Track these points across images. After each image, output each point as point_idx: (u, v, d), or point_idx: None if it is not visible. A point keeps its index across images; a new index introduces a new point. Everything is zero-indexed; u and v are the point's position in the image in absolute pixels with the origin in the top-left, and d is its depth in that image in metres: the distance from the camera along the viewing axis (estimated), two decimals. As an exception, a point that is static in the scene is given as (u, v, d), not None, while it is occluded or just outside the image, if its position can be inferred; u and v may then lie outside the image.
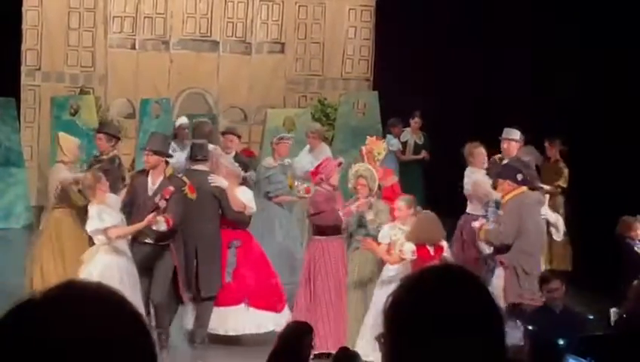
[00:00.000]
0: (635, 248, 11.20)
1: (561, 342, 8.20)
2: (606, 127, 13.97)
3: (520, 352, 8.77)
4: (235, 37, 18.97)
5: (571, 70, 14.97)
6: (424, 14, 17.23)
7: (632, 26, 13.95)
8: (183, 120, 14.46)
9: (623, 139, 13.76)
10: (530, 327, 9.05)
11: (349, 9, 19.34)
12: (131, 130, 17.78)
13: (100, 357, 1.68)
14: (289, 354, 7.30)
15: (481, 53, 16.26)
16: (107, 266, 9.93)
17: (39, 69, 18.14)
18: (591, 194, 13.40)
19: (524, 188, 10.43)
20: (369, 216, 10.72)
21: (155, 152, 10.23)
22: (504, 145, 12.16)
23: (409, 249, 10.16)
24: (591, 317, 10.44)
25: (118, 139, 12.22)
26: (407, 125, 17.07)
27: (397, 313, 2.06)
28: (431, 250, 10.12)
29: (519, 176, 10.38)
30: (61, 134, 11.99)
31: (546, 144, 13.94)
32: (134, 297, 9.70)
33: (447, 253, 10.24)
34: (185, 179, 10.21)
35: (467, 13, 16.63)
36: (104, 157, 11.71)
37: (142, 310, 9.60)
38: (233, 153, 12.73)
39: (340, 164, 11.26)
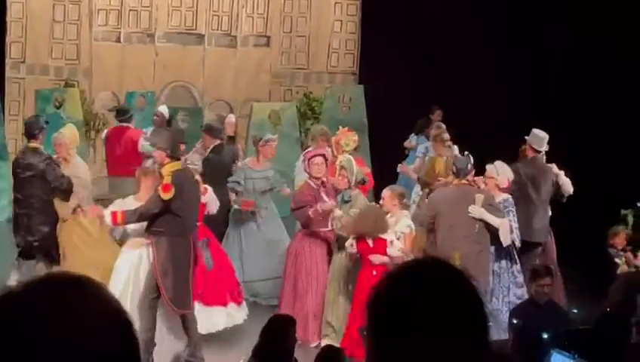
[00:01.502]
0: (615, 259, 11.31)
1: (545, 335, 8.21)
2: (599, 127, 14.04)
3: (504, 346, 8.79)
4: (221, 30, 18.94)
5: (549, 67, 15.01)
6: (410, 8, 17.22)
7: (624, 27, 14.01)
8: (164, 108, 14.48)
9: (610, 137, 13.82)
10: (514, 321, 9.07)
11: (335, 2, 19.32)
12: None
13: (80, 351, 1.67)
14: (274, 347, 7.30)
15: (468, 47, 16.26)
16: (120, 260, 10.02)
17: (24, 62, 18.08)
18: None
19: (456, 180, 10.66)
20: (336, 213, 10.76)
21: (159, 148, 9.93)
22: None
23: (348, 243, 10.24)
24: (575, 311, 10.48)
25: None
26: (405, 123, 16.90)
27: (380, 307, 2.06)
28: (370, 242, 10.19)
29: (454, 168, 10.75)
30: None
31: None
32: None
33: (393, 248, 10.12)
34: (168, 177, 9.58)
35: (454, 7, 16.62)
36: None
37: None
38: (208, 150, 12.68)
39: (323, 156, 11.19)
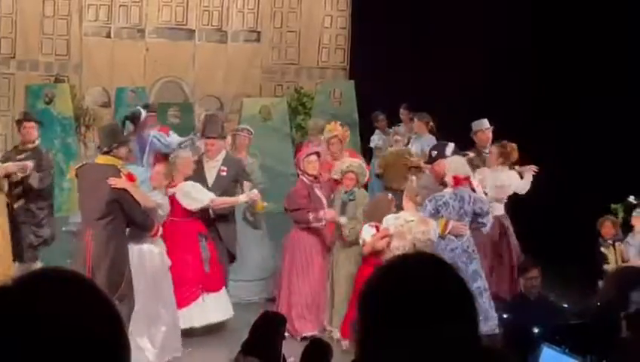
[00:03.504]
0: (601, 247, 11.34)
1: (536, 330, 8.23)
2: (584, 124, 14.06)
3: (495, 340, 8.81)
4: (211, 25, 18.92)
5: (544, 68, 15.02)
6: (400, 3, 17.22)
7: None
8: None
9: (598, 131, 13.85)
10: (505, 315, 9.09)
11: (325, -2, 19.37)
12: (106, 118, 17.71)
13: (72, 343, 1.67)
14: (264, 343, 7.31)
15: (459, 42, 16.25)
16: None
17: (14, 57, 18.04)
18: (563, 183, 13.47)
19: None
20: (342, 220, 10.76)
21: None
22: (482, 137, 12.37)
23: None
24: (566, 305, 10.50)
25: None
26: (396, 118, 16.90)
27: (371, 300, 2.06)
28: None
29: None
30: None
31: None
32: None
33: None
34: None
35: (446, 2, 16.61)
36: (29, 145, 11.63)
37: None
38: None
39: (317, 154, 11.17)
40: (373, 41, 17.61)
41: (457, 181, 10.34)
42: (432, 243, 9.90)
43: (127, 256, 9.55)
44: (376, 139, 16.38)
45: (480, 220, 10.37)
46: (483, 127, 12.48)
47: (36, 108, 16.22)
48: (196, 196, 10.66)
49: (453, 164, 10.68)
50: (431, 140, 13.45)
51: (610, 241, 11.31)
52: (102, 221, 9.40)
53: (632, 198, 11.90)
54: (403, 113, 16.39)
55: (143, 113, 13.80)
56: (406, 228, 10.06)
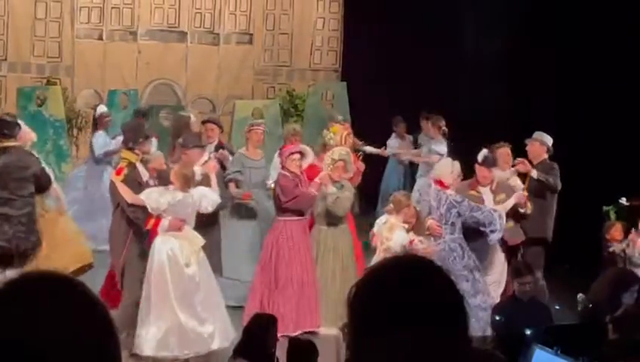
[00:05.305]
0: (610, 249, 11.25)
1: (528, 331, 8.23)
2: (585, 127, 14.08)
3: (486, 342, 8.81)
4: (203, 27, 18.92)
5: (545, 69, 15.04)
6: (392, 5, 17.22)
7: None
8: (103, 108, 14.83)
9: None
10: (497, 317, 9.09)
11: (317, 0, 19.34)
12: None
13: (59, 346, 1.67)
14: (255, 345, 7.31)
15: (452, 44, 16.26)
16: None
17: (5, 60, 18.01)
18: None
19: None
20: (330, 190, 10.89)
21: None
22: (529, 148, 11.72)
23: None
24: (558, 307, 10.52)
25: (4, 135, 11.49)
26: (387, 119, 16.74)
27: (360, 303, 2.06)
28: None
29: None
30: None
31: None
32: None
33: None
34: None
35: (438, 4, 16.62)
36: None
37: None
38: (215, 142, 12.47)
39: (300, 153, 11.10)
40: (365, 43, 17.62)
41: (435, 181, 10.69)
42: (399, 250, 10.02)
43: (137, 247, 9.96)
44: (392, 144, 16.16)
45: (482, 229, 10.47)
46: (532, 139, 11.76)
47: (28, 111, 16.20)
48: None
49: (438, 164, 11.03)
50: (440, 143, 13.96)
51: (623, 244, 11.08)
52: (117, 211, 10.04)
53: (623, 200, 11.90)
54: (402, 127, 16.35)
55: (98, 112, 14.62)
56: (379, 231, 10.40)
